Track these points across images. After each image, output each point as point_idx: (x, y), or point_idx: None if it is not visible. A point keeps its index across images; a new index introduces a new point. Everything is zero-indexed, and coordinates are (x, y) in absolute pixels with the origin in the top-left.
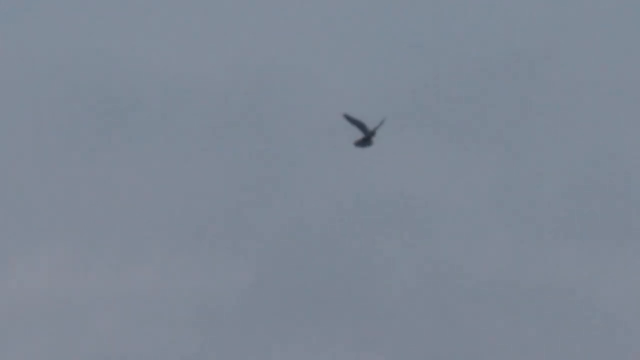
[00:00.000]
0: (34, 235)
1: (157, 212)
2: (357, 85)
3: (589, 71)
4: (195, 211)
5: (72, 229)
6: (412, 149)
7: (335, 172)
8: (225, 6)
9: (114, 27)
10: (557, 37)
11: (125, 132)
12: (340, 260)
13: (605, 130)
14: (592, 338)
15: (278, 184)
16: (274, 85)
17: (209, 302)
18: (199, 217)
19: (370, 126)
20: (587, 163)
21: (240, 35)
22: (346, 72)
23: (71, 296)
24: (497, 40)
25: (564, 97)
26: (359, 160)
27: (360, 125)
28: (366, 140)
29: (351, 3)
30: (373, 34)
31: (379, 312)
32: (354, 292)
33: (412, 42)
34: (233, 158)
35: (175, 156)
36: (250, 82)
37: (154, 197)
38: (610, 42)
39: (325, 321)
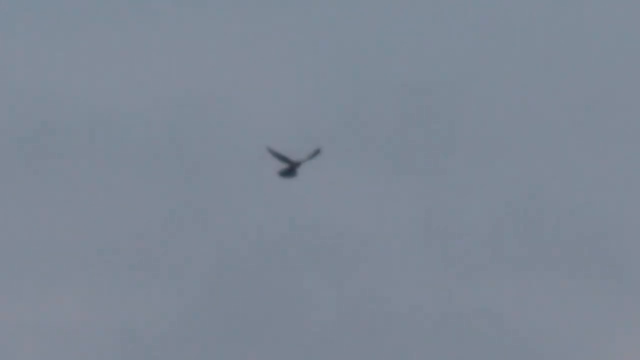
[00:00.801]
0: None
1: (82, 243)
2: (280, 113)
3: (516, 100)
4: (121, 242)
5: None
6: (336, 179)
7: (260, 203)
8: (144, 36)
9: (35, 57)
10: (483, 66)
11: (47, 163)
12: (263, 293)
13: (532, 161)
14: None
15: (203, 215)
16: (195, 114)
17: (134, 334)
18: (124, 248)
19: (295, 157)
20: (513, 192)
21: (161, 64)
22: (268, 100)
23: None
24: (423, 68)
25: (491, 127)
26: (284, 191)
27: (283, 158)
28: (290, 170)
29: (272, 30)
30: (295, 62)
31: (303, 344)
32: (278, 324)
33: (337, 70)
34: (157, 188)
35: (99, 187)
36: (172, 112)
37: (79, 227)
38: (539, 70)
39: (248, 354)
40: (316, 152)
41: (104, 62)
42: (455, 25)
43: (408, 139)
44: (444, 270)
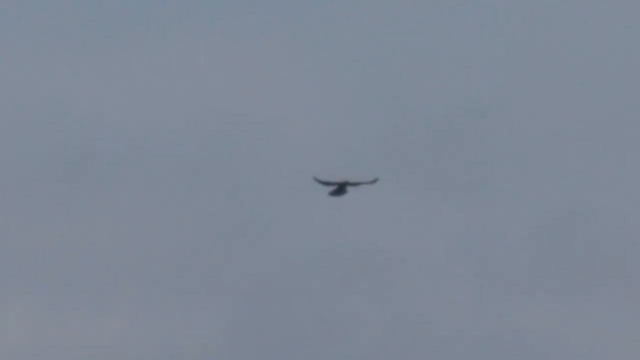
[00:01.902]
0: (1, 287)
1: (125, 263)
2: (322, 135)
3: (549, 121)
4: (165, 261)
5: (41, 280)
6: (376, 200)
7: (302, 224)
8: (186, 55)
9: (70, 77)
10: (516, 84)
11: (88, 184)
12: (308, 312)
13: (568, 178)
14: None
15: (247, 235)
16: (238, 135)
17: (179, 353)
18: (168, 267)
19: (340, 179)
20: (547, 213)
21: (204, 84)
22: (311, 122)
23: (43, 348)
24: (457, 89)
25: (524, 147)
26: (326, 212)
27: (328, 183)
28: (339, 190)
29: (317, 53)
30: (337, 85)
31: None
32: (322, 344)
33: (374, 93)
34: (200, 208)
35: (140, 210)
36: (216, 132)
37: (122, 249)
38: (572, 87)
39: None
40: (374, 181)
41: (140, 85)
42: (488, 47)
43: (445, 160)
44: (483, 289)
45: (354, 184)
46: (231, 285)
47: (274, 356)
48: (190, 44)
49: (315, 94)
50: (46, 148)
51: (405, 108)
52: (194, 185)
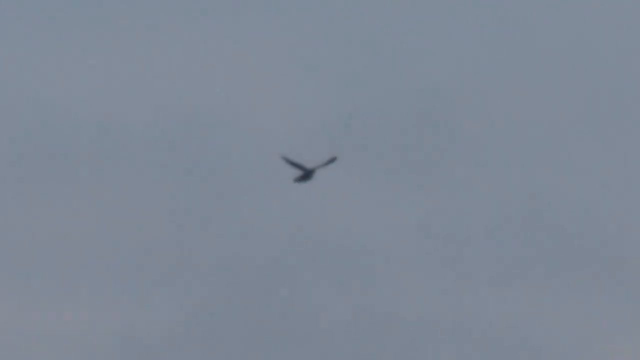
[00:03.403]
0: None
1: (87, 250)
2: (285, 121)
3: (521, 109)
4: (127, 249)
5: (2, 268)
6: (341, 185)
7: (267, 209)
8: (148, 48)
9: (37, 71)
10: (483, 73)
11: (53, 171)
12: (269, 299)
13: (533, 164)
14: None
15: (211, 223)
16: (202, 125)
17: (139, 339)
18: (130, 254)
19: (309, 165)
20: (516, 196)
21: (166, 77)
22: (272, 109)
23: (4, 333)
24: (422, 76)
25: (492, 131)
26: (290, 199)
27: (297, 165)
28: (305, 177)
29: (280, 37)
30: (298, 70)
31: (310, 351)
32: (285, 332)
33: (341, 79)
34: (165, 197)
35: (105, 194)
36: (178, 123)
37: (84, 233)
38: (541, 74)
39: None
40: (331, 160)
41: (110, 72)
42: (458, 30)
43: (411, 145)
44: (448, 275)
45: (318, 167)
46: (199, 274)
47: (240, 345)
48: (160, 35)
49: (280, 79)
50: (19, 141)
51: (374, 91)
52: (164, 174)
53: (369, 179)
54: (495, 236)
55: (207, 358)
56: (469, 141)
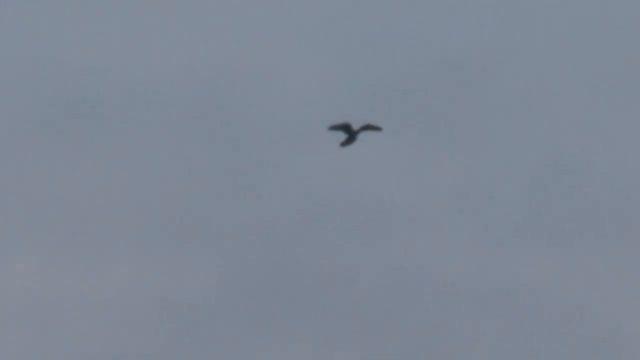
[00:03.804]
0: (3, 240)
1: (125, 213)
2: (316, 84)
3: (548, 70)
4: (163, 211)
5: (42, 231)
6: (372, 149)
7: (300, 172)
8: (180, 7)
9: (65, 30)
10: (513, 36)
11: (86, 136)
12: (304, 260)
13: (564, 130)
14: (555, 340)
15: (243, 186)
16: (236, 84)
17: (179, 301)
18: (167, 217)
19: (354, 125)
20: (547, 163)
21: (202, 35)
22: (303, 71)
23: (44, 298)
24: (452, 40)
25: (523, 97)
26: (322, 162)
27: (344, 127)
28: (350, 139)
29: (306, 4)
30: (330, 33)
31: (343, 312)
32: (318, 292)
33: (370, 40)
34: (199, 158)
35: (140, 158)
36: (212, 82)
37: (120, 199)
38: (568, 40)
39: (290, 321)
40: (377, 128)
41: (144, 35)
42: None
43: (442, 109)
44: (481, 240)
45: (362, 130)
46: (228, 235)
47: (270, 308)
48: None
49: (311, 42)
50: (40, 99)
51: (401, 57)
52: (191, 135)
53: (398, 140)
54: (529, 199)
55: (245, 320)
56: (498, 102)
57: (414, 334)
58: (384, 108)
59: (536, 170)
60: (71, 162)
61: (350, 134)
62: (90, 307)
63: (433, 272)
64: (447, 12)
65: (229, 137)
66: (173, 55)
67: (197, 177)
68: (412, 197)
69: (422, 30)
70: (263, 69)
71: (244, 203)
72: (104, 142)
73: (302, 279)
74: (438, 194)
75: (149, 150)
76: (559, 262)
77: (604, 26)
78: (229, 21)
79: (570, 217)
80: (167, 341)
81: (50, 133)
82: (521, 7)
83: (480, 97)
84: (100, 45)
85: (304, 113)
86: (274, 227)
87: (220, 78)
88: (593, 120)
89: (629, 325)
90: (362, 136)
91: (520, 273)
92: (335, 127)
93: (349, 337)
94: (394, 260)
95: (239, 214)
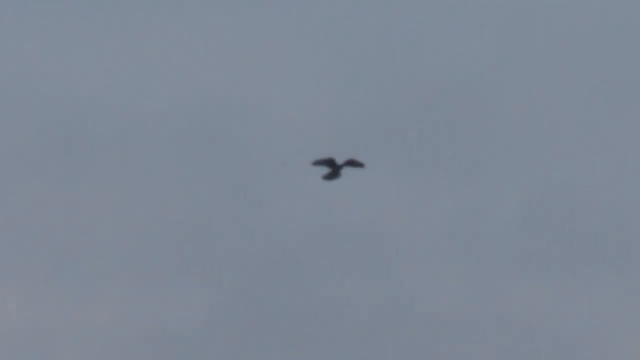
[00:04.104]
0: None
1: (115, 245)
2: (311, 115)
3: (542, 101)
4: (155, 240)
5: (30, 261)
6: (364, 181)
7: (292, 205)
8: (174, 37)
9: (61, 57)
10: (508, 66)
11: (77, 168)
12: (295, 292)
13: (557, 161)
14: None
15: (239, 214)
16: (228, 115)
17: (171, 329)
18: (159, 245)
19: (339, 160)
20: (540, 194)
21: (192, 66)
22: (299, 102)
23: (32, 331)
24: (448, 69)
25: (517, 128)
26: (315, 193)
27: (328, 162)
28: (334, 173)
29: (296, 31)
30: (318, 63)
31: (333, 344)
32: (309, 324)
33: (363, 71)
34: (190, 189)
35: (131, 189)
36: (201, 111)
37: (111, 229)
38: (562, 72)
39: (281, 352)
40: (359, 164)
41: (129, 65)
42: (481, 25)
43: (436, 140)
44: (472, 269)
45: (346, 165)
46: (220, 267)
47: (263, 338)
48: (179, 24)
49: (304, 74)
50: (34, 128)
51: (394, 87)
52: (184, 167)
53: (391, 174)
54: (524, 230)
55: (235, 349)
56: (491, 133)
57: None
58: (376, 140)
59: (529, 201)
60: (61, 193)
61: (334, 168)
62: (79, 339)
63: (424, 304)
64: (438, 44)
65: (221, 169)
66: (166, 85)
67: (189, 209)
68: (403, 229)
69: (414, 61)
70: (257, 98)
71: (235, 235)
72: (95, 174)
73: (293, 311)
74: (430, 225)
75: (139, 182)
76: (552, 294)
77: (596, 58)
78: (222, 52)
79: (564, 249)
80: None
81: (40, 164)
82: (515, 37)
83: (473, 128)
84: (93, 76)
85: (297, 145)
86: (265, 259)
87: (214, 105)
88: (587, 152)
89: (623, 357)
90: (353, 170)
91: (514, 305)
92: (319, 162)
93: None
94: (385, 292)
95: (231, 246)
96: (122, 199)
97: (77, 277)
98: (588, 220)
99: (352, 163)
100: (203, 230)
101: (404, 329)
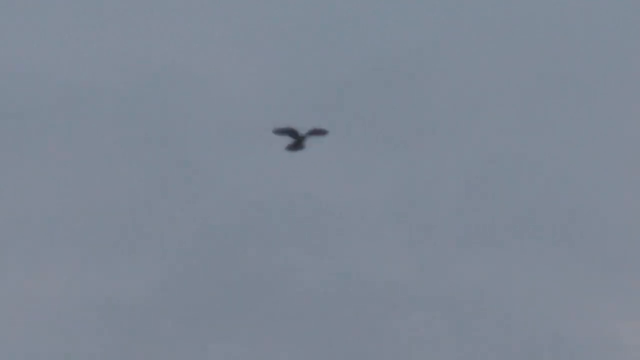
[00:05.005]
0: None
1: (60, 217)
2: (256, 84)
3: (484, 70)
4: (102, 213)
5: None
6: (311, 153)
7: (240, 175)
8: (116, 7)
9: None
10: (449, 36)
11: (16, 139)
12: (243, 263)
13: (502, 132)
14: (494, 346)
15: (184, 186)
16: (172, 86)
17: (119, 303)
18: (105, 219)
19: (301, 131)
20: (485, 165)
21: (134, 37)
22: (245, 71)
23: None
24: (392, 41)
25: (460, 99)
26: (263, 163)
27: (290, 131)
28: (297, 144)
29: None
30: (270, 35)
31: (280, 316)
32: (256, 294)
33: (309, 41)
34: (136, 161)
35: (78, 161)
36: (148, 84)
37: (58, 201)
38: (506, 38)
39: (228, 323)
40: (322, 132)
41: (78, 35)
42: None
43: (379, 109)
44: (420, 241)
45: (311, 133)
46: (168, 238)
47: (210, 313)
48: None
49: (252, 42)
50: None
51: (341, 58)
52: (128, 138)
53: (339, 146)
54: (467, 202)
55: (184, 322)
56: (435, 104)
57: (351, 339)
58: (322, 110)
59: (473, 172)
60: (2, 165)
61: (296, 138)
62: (27, 310)
63: (370, 276)
64: (383, 12)
65: (169, 139)
66: (106, 54)
67: (137, 180)
68: (349, 201)
69: (358, 30)
70: (201, 70)
71: (184, 206)
72: (34, 145)
73: (240, 282)
74: (375, 198)
75: (82, 155)
76: (498, 266)
77: (542, 23)
78: (166, 20)
79: (509, 220)
80: (106, 344)
81: None
82: (456, 6)
83: (418, 99)
84: (30, 45)
85: (244, 115)
86: (213, 230)
87: (157, 78)
88: (530, 121)
89: (569, 330)
90: (310, 141)
91: (460, 277)
92: (280, 131)
93: (286, 340)
94: (332, 264)
95: (179, 217)
96: (65, 172)
97: (23, 250)
98: (533, 191)
99: (315, 132)
100: (149, 203)
101: (350, 303)
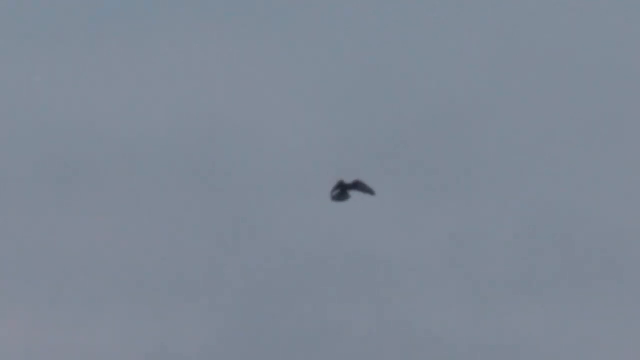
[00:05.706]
0: None
1: (117, 268)
2: (306, 137)
3: (539, 121)
4: (156, 266)
5: (32, 287)
6: (365, 203)
7: (293, 227)
8: (163, 60)
9: (50, 87)
10: (504, 87)
11: (76, 191)
12: (297, 314)
13: (555, 182)
14: None
15: (239, 238)
16: (222, 137)
17: (175, 353)
18: (158, 272)
19: (346, 180)
20: (537, 215)
21: (183, 89)
22: (294, 123)
23: (33, 355)
24: (446, 90)
25: (513, 149)
26: (314, 215)
27: (339, 185)
28: (342, 194)
29: (295, 55)
30: (316, 85)
31: None
32: (311, 345)
33: (363, 92)
34: (192, 214)
35: (130, 211)
36: (198, 136)
37: (114, 253)
38: (560, 90)
39: None
40: (370, 191)
41: (126, 89)
42: (478, 44)
43: (433, 162)
44: (472, 289)
45: (356, 186)
46: (223, 290)
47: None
48: (175, 47)
49: (303, 95)
50: (35, 154)
51: (392, 108)
52: (186, 188)
53: (387, 193)
54: (523, 252)
55: None
56: (488, 154)
57: None
58: (374, 161)
59: (526, 222)
60: (62, 220)
61: (342, 189)
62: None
63: (423, 326)
64: (437, 64)
65: (225, 192)
66: (162, 108)
67: (191, 231)
68: (401, 251)
69: (412, 82)
70: (254, 122)
71: (238, 257)
72: (94, 197)
73: (295, 333)
74: (428, 247)
75: (139, 207)
76: (549, 317)
77: (594, 76)
78: (220, 73)
79: (561, 270)
80: None
81: (39, 191)
82: (511, 57)
83: (471, 149)
84: (88, 100)
85: (295, 166)
86: (268, 282)
87: (212, 130)
88: (584, 172)
89: None
90: (354, 193)
91: (510, 327)
92: (334, 192)
93: None
94: (384, 314)
95: (234, 268)
96: (122, 224)
97: (79, 302)
98: (585, 241)
99: (361, 186)
100: (205, 253)
101: (402, 351)
